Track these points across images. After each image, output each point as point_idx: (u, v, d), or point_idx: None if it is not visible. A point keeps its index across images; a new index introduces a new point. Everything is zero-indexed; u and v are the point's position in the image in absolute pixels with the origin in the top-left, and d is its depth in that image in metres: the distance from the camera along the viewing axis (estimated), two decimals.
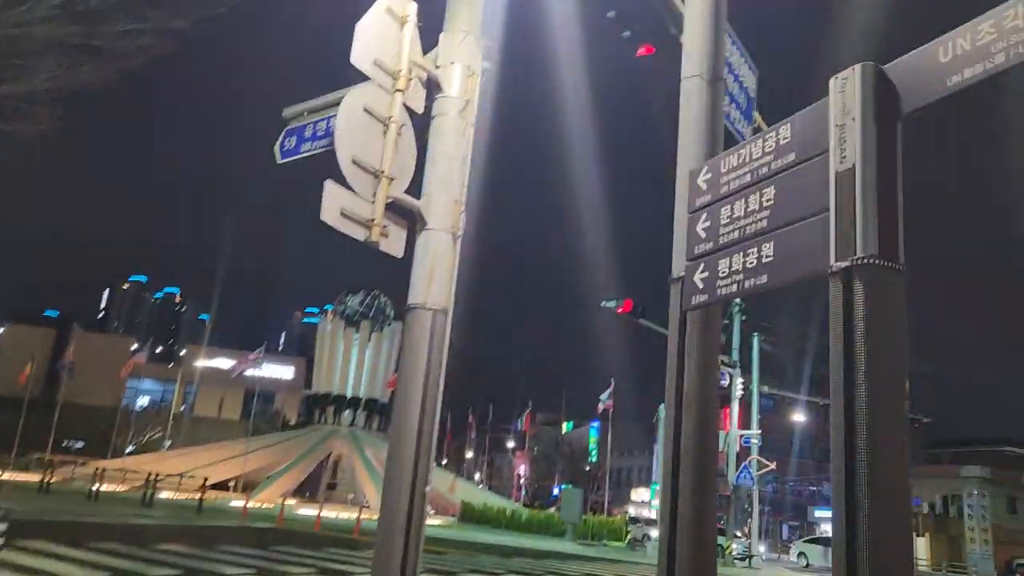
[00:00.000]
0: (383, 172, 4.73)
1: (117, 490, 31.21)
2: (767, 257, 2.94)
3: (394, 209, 4.90)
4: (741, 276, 3.06)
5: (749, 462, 29.33)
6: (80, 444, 57.05)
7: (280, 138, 5.82)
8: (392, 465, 4.51)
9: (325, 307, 55.30)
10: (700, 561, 3.32)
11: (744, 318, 30.08)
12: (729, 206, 3.20)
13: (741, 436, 29.28)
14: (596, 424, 72.05)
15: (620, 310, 24.33)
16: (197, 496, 26.70)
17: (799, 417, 42.80)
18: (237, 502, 32.42)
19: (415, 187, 5.04)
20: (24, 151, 14.57)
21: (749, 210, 3.09)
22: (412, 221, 4.98)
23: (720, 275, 3.18)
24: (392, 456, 4.55)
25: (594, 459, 73.11)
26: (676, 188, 3.74)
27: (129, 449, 54.80)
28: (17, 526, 14.53)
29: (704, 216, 3.35)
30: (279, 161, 5.93)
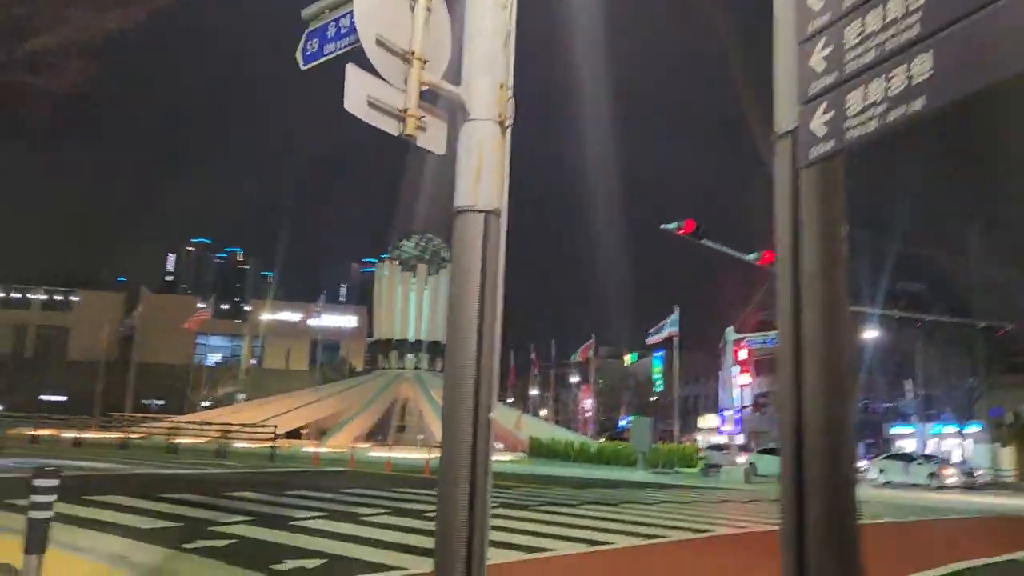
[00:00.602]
0: (414, 54, 4.05)
1: (193, 443, 32.02)
2: (923, 74, 2.19)
3: (431, 99, 4.25)
4: (884, 107, 2.32)
5: None
6: (159, 402, 59.07)
7: (301, 42, 5.15)
8: (451, 391, 3.94)
9: (382, 255, 55.38)
10: (836, 495, 2.65)
11: None
12: (859, 20, 2.44)
13: None
14: (660, 354, 71.38)
15: (681, 231, 23.34)
16: (269, 445, 27.13)
17: (872, 332, 41.31)
18: (309, 449, 32.98)
19: (454, 73, 4.35)
20: (56, 109, 14.30)
21: (889, 19, 2.33)
22: (453, 112, 4.32)
23: (850, 113, 2.45)
24: (450, 382, 3.98)
25: (659, 388, 72.70)
26: (774, 23, 2.95)
27: (204, 404, 56.48)
28: (96, 481, 14.76)
29: (822, 42, 2.60)
30: (302, 67, 5.25)
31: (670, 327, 38.35)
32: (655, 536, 10.84)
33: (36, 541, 5.67)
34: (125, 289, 69.46)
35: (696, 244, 23.57)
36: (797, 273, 2.73)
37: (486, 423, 3.91)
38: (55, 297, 67.78)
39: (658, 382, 71.78)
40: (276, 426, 30.03)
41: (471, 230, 4.06)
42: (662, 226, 23.85)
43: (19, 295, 66.76)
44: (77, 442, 28.75)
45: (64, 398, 58.02)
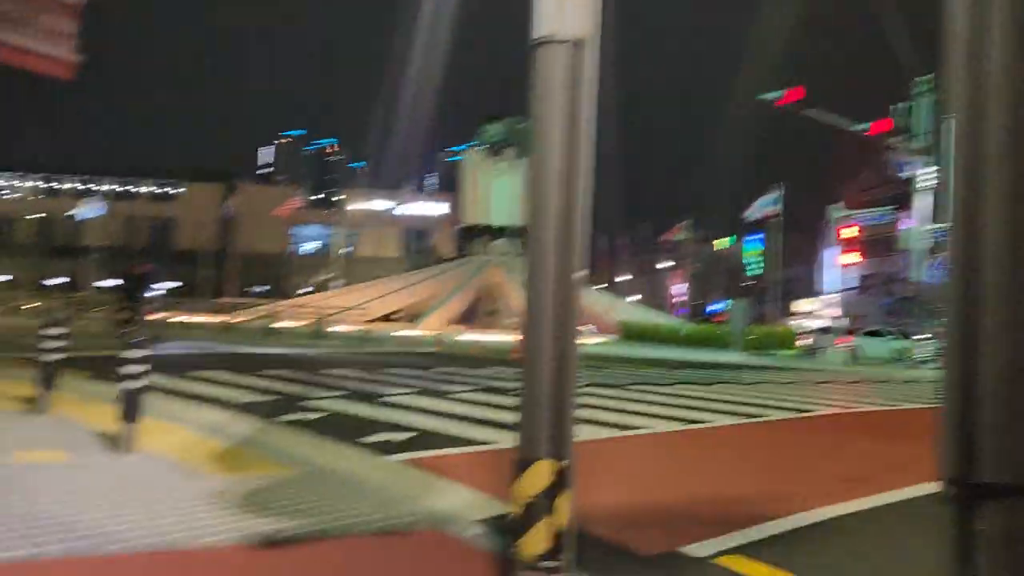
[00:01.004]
0: None
1: (292, 326, 33.27)
2: None
3: None
4: None
5: (943, 257, 26.63)
6: (261, 288, 61.65)
7: None
8: (534, 251, 3.51)
9: (469, 143, 54.71)
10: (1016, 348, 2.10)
11: (936, 96, 26.28)
12: None
13: (930, 230, 26.40)
14: (757, 236, 69.23)
15: (782, 101, 21.72)
16: (362, 328, 27.83)
17: None
18: (400, 332, 33.78)
19: None
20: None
21: None
22: None
23: None
24: (533, 240, 3.54)
25: (754, 272, 70.87)
26: None
27: (303, 291, 58.59)
28: (201, 359, 15.42)
29: None
30: None
31: (770, 205, 36.70)
32: (753, 416, 10.45)
33: (130, 410, 5.72)
34: (225, 180, 71.51)
35: (799, 116, 21.96)
36: (978, 86, 2.10)
37: (572, 286, 3.49)
38: (162, 189, 70.64)
39: (753, 265, 69.94)
40: (369, 310, 30.72)
41: (554, 65, 3.50)
42: (761, 96, 22.25)
43: (130, 188, 69.87)
44: (185, 325, 30.31)
45: (173, 284, 61.28)
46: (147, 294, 20.09)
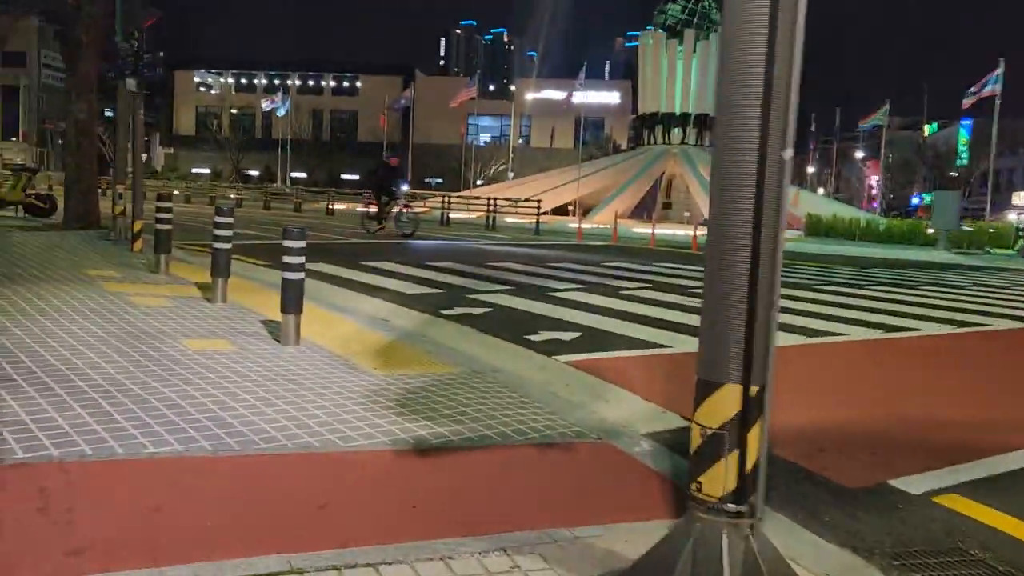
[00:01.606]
0: None
1: (465, 217, 33.67)
2: None
3: None
4: None
5: None
6: (437, 180, 63.08)
7: None
8: (725, 120, 2.75)
9: (647, 26, 51.63)
10: None
11: None
12: None
13: None
14: (967, 122, 61.69)
15: None
16: (534, 220, 27.57)
17: None
18: (572, 224, 33.29)
19: None
20: None
21: None
22: None
23: None
24: (723, 107, 2.77)
25: (964, 162, 63.59)
26: None
27: (478, 182, 59.30)
28: (374, 248, 15.75)
29: None
30: None
31: (991, 84, 32.08)
32: (966, 323, 9.11)
33: (291, 301, 5.61)
34: (402, 73, 72.66)
35: None
36: None
37: (777, 166, 2.71)
38: (343, 83, 73.09)
39: (963, 154, 62.74)
40: (540, 201, 30.37)
41: None
42: None
43: (314, 82, 72.86)
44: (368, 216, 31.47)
45: (356, 176, 64.09)
46: (399, 187, 19.88)
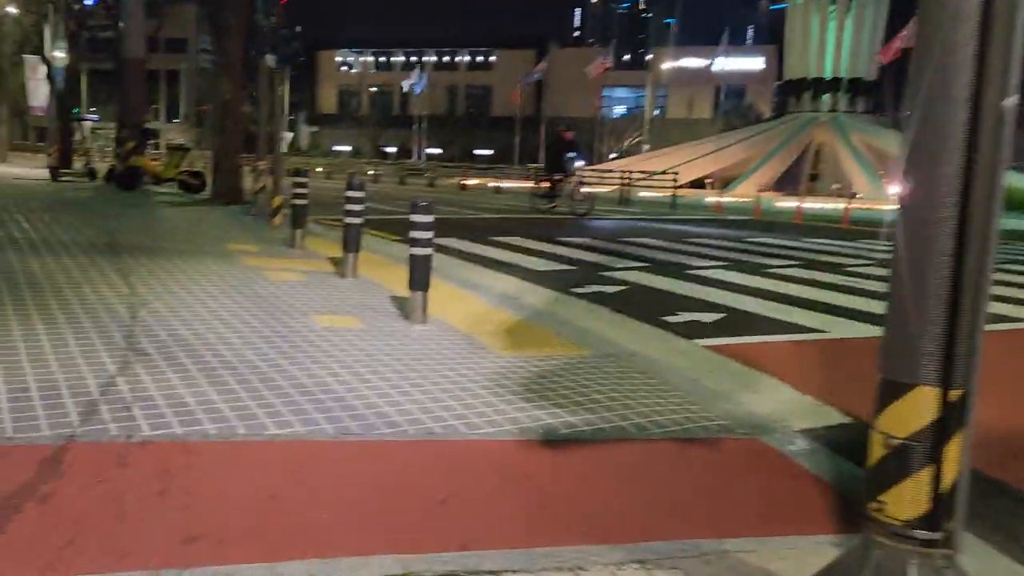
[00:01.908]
0: None
1: (598, 191, 33.06)
2: None
3: None
4: None
5: None
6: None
7: None
8: (932, 73, 2.23)
9: None
10: None
11: None
12: None
13: None
14: None
15: None
16: (671, 193, 26.67)
17: None
18: (711, 198, 32.04)
19: None
20: None
21: None
22: None
23: None
24: (925, 55, 2.25)
25: None
26: None
27: (612, 155, 58.33)
28: (506, 224, 15.61)
29: None
30: None
31: None
32: None
33: (419, 278, 5.44)
34: (536, 46, 72.34)
35: None
36: None
37: (998, 118, 2.17)
38: (478, 59, 73.68)
39: None
40: (678, 174, 29.36)
41: None
42: None
43: (449, 58, 73.87)
44: (498, 189, 31.50)
45: (491, 151, 64.61)
46: (574, 162, 18.53)
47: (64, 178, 18.66)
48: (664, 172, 31.81)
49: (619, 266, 9.46)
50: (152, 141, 17.37)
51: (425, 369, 4.35)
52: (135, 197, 14.75)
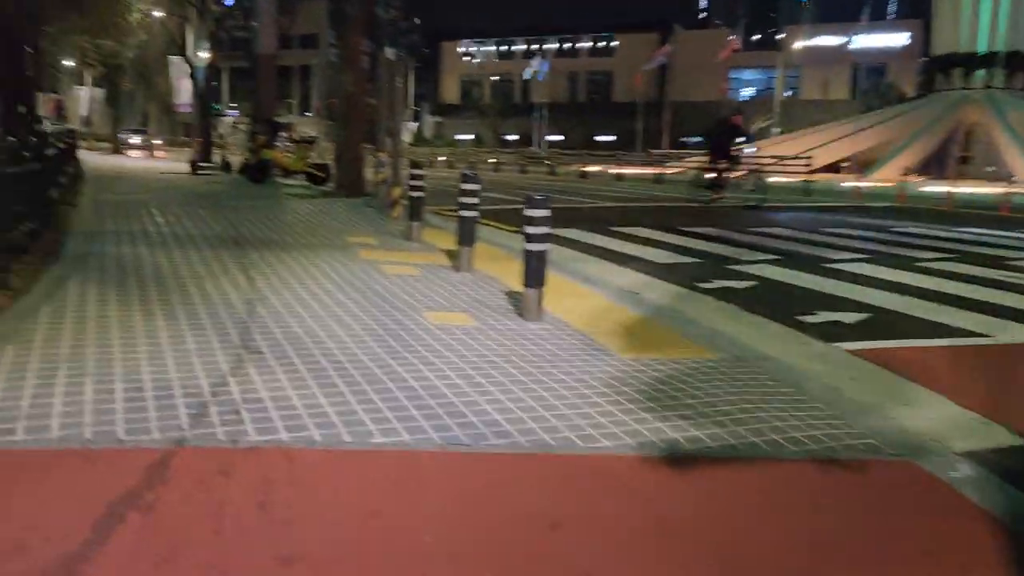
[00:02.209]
0: None
1: (729, 177, 31.81)
2: None
3: None
4: None
5: None
6: (695, 139, 60.79)
7: None
8: None
9: None
10: None
11: None
12: None
13: None
14: None
15: None
16: (804, 179, 25.30)
17: None
18: (848, 183, 30.22)
19: None
20: None
21: None
22: None
23: None
24: None
25: None
26: None
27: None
28: (629, 212, 15.15)
29: None
30: None
31: None
32: None
33: (533, 274, 5.21)
34: (659, 29, 70.64)
35: None
36: None
37: None
38: (599, 44, 72.70)
39: None
40: (811, 158, 27.82)
41: None
42: None
43: (570, 45, 73.29)
44: (619, 176, 30.87)
45: (612, 137, 63.69)
46: (742, 149, 17.29)
47: (202, 172, 19.63)
48: (796, 157, 30.26)
49: (749, 259, 8.89)
50: (284, 135, 17.97)
51: (539, 372, 4.12)
52: (264, 190, 15.31)
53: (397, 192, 10.10)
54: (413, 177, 8.39)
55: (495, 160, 39.89)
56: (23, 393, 3.39)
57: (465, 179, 6.74)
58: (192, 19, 26.95)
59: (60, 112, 53.16)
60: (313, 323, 4.87)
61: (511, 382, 3.93)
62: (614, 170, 33.04)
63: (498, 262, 7.43)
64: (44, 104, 65.10)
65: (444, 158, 44.86)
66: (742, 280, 7.51)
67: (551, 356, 4.45)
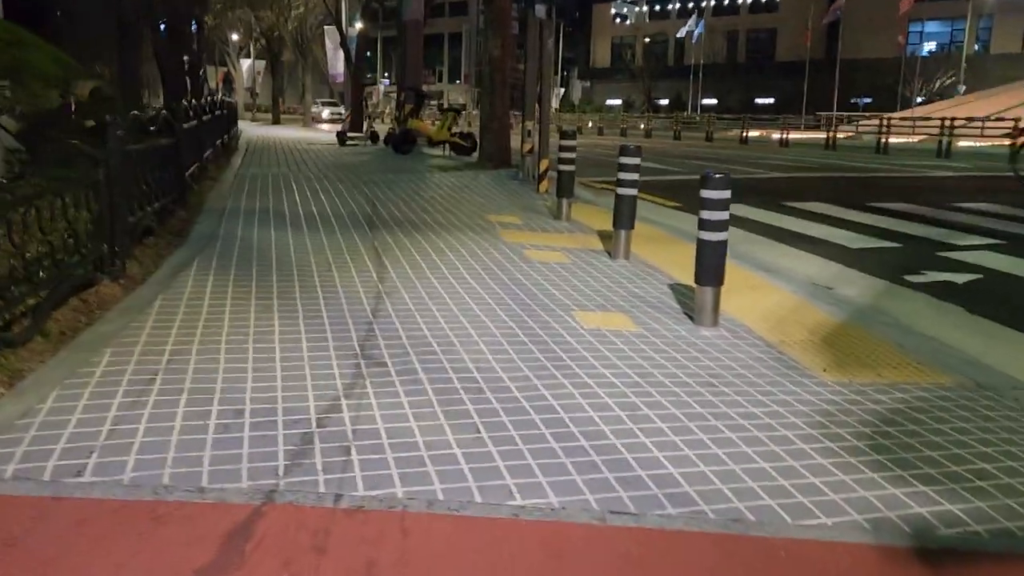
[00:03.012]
0: None
1: (905, 142, 28.80)
2: None
3: None
4: None
5: None
6: (866, 100, 56.04)
7: None
8: None
9: None
10: None
11: None
12: None
13: None
14: None
15: None
16: (1010, 144, 22.22)
17: None
18: None
19: None
20: None
21: None
22: None
23: None
24: None
25: None
26: None
27: (918, 100, 51.23)
28: (800, 184, 13.63)
29: None
30: None
31: None
32: None
33: (708, 270, 4.28)
34: None
35: None
36: None
37: None
38: (761, 0, 68.25)
39: None
40: (1020, 120, 24.44)
41: None
42: None
43: (729, 1, 69.28)
44: (783, 142, 28.60)
45: (772, 100, 59.77)
46: None
47: (349, 142, 19.55)
48: (990, 117, 26.82)
49: (962, 243, 7.43)
50: (433, 103, 17.52)
51: (720, 401, 3.24)
52: (407, 161, 14.87)
53: (544, 164, 9.28)
54: (562, 148, 7.54)
55: (646, 126, 38.22)
56: (108, 415, 2.90)
57: (624, 152, 5.83)
58: None
59: (229, 83, 56.16)
60: (446, 325, 4.18)
61: (687, 415, 3.08)
62: (778, 135, 30.67)
63: (658, 245, 6.51)
64: (213, 77, 69.26)
65: (591, 124, 43.64)
66: (960, 272, 6.18)
67: (735, 376, 3.54)
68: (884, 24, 54.21)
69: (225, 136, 15.20)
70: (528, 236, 6.82)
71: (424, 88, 17.23)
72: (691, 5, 68.59)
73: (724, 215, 4.20)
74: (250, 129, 31.76)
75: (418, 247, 6.23)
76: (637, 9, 74.27)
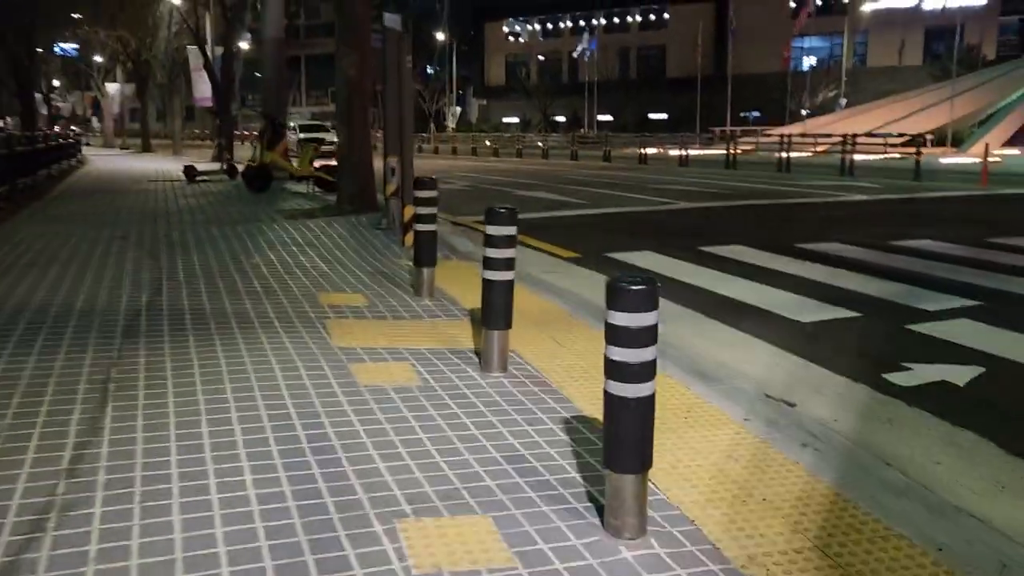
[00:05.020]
0: None
1: (803, 156, 28.41)
2: None
3: None
4: None
5: None
6: (755, 114, 56.81)
7: None
8: None
9: None
10: None
11: None
12: None
13: None
14: None
15: None
16: (912, 157, 21.75)
17: None
18: (948, 159, 26.55)
19: None
20: None
21: None
22: None
23: None
24: None
25: None
26: None
27: (804, 112, 52.16)
28: (721, 217, 12.22)
29: None
30: None
31: None
32: None
33: (629, 445, 2.46)
34: None
35: None
36: None
37: None
38: (650, 17, 68.53)
39: None
40: (902, 133, 24.23)
41: None
42: None
43: (620, 19, 69.29)
44: (683, 161, 27.63)
45: (666, 116, 59.87)
46: None
47: (200, 178, 16.74)
48: (874, 132, 26.69)
49: (933, 307, 5.82)
50: (297, 132, 15.32)
51: None
52: (255, 204, 12.17)
53: (410, 212, 7.31)
54: (420, 202, 5.54)
55: (543, 145, 36.83)
56: None
57: (492, 219, 3.85)
58: (211, 6, 24.47)
59: (94, 110, 51.78)
60: (180, 556, 2.17)
61: None
62: (676, 152, 29.71)
63: (553, 335, 4.68)
64: (79, 103, 64.25)
65: (488, 143, 42.12)
66: (952, 361, 4.58)
67: None
68: (767, 40, 55.15)
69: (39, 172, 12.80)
70: (369, 333, 4.80)
71: (275, 116, 14.64)
72: (582, 23, 68.35)
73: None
74: (105, 160, 28.59)
75: (181, 378, 3.92)
76: (529, 27, 73.64)
